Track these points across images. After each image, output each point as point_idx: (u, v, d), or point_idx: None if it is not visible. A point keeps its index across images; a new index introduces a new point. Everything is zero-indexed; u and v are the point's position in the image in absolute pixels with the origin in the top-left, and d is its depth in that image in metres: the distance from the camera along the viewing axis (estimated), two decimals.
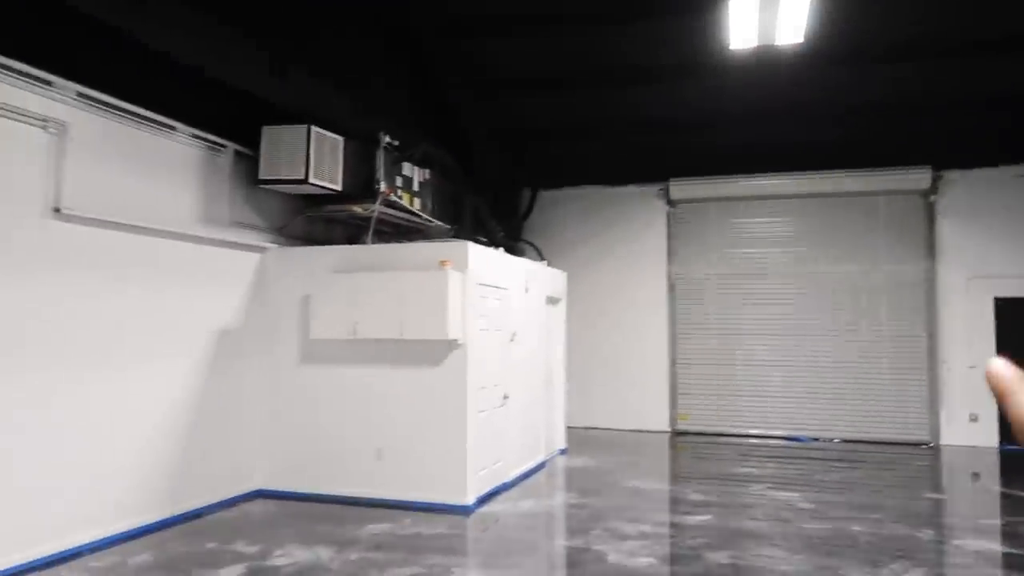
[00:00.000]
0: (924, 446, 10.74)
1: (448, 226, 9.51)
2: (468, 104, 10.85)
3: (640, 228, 12.30)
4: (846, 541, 5.97)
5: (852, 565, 5.31)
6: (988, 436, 10.60)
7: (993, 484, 8.69)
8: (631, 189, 12.38)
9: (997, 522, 6.88)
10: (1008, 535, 6.40)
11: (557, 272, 10.15)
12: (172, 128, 6.54)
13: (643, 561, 5.39)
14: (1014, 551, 5.87)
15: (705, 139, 11.59)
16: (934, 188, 11.02)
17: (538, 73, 10.32)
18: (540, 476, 8.56)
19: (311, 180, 7.17)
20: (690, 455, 10.38)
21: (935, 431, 10.86)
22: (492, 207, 11.16)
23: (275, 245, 7.69)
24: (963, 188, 10.98)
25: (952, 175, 11.01)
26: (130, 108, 6.03)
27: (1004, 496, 8.04)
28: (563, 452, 9.91)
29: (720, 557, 5.54)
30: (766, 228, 11.87)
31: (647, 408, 11.99)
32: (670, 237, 12.21)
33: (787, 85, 9.97)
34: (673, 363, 12.04)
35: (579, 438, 10.87)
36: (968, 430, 10.70)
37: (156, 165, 6.34)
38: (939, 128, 10.76)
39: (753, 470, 9.12)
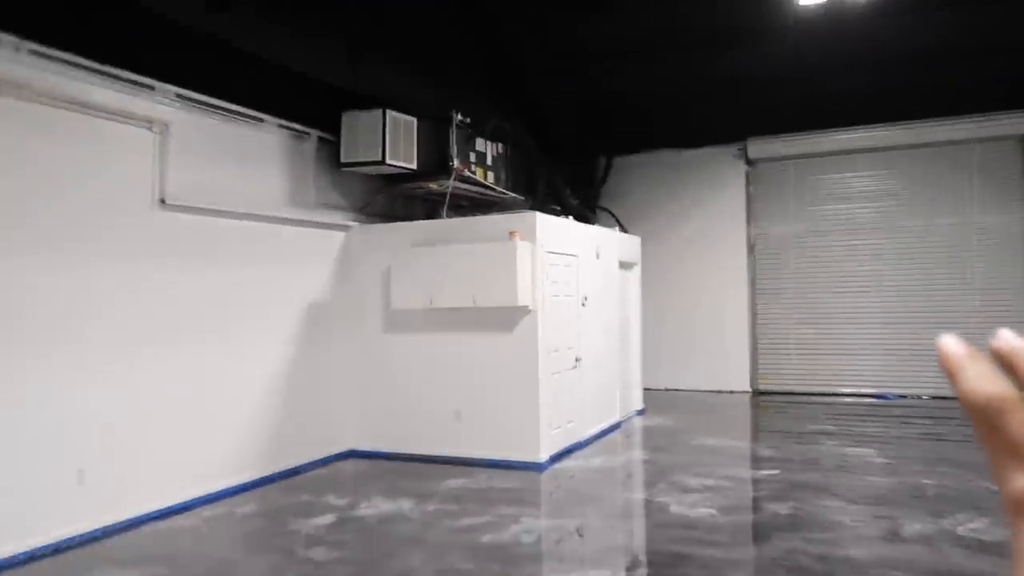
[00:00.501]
0: None
1: (523, 197, 9.85)
2: (542, 76, 11.08)
3: (718, 189, 12.27)
4: (912, 493, 6.05)
5: (912, 515, 5.42)
6: None
7: None
8: (708, 150, 12.34)
9: None
10: None
11: (630, 237, 10.35)
12: (260, 120, 7.14)
13: (703, 511, 5.67)
14: None
15: (782, 96, 11.39)
16: None
17: (612, 42, 10.43)
18: (615, 435, 8.89)
19: (388, 161, 7.66)
20: (768, 414, 10.46)
21: None
22: (567, 176, 11.42)
23: (358, 223, 8.25)
24: None
25: None
26: (222, 104, 6.64)
27: None
28: (640, 413, 10.19)
29: (780, 508, 5.75)
30: (847, 184, 11.63)
31: (728, 369, 12.06)
32: (749, 197, 12.14)
33: (858, 38, 9.71)
34: (754, 323, 12.04)
35: (658, 399, 11.12)
36: None
37: (247, 155, 6.96)
38: None
39: (831, 427, 9.15)
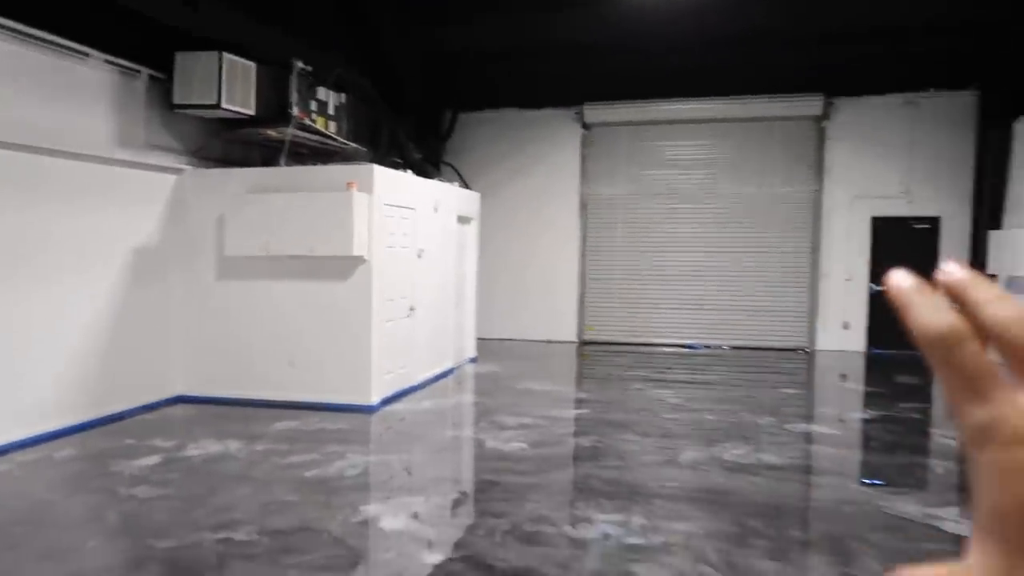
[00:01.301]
0: (801, 351, 11.92)
1: (364, 149, 9.98)
2: (390, 29, 11.15)
3: (555, 150, 12.92)
4: (695, 427, 6.97)
5: (690, 444, 6.29)
6: (858, 341, 11.82)
7: (847, 382, 9.85)
8: (547, 112, 12.92)
9: (832, 410, 7.99)
10: (834, 420, 7.50)
11: (469, 192, 10.76)
12: (86, 55, 6.84)
13: (515, 446, 6.28)
14: (829, 431, 6.94)
15: (617, 65, 12.11)
16: (825, 114, 11.83)
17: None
18: (447, 381, 9.40)
19: (223, 105, 7.57)
20: (589, 362, 11.37)
21: (812, 337, 12.04)
22: (414, 130, 11.62)
23: (192, 167, 8.11)
24: (850, 114, 11.82)
25: (841, 102, 11.83)
26: (43, 35, 6.32)
27: (850, 391, 9.19)
28: (473, 360, 10.77)
29: (583, 441, 6.47)
30: (674, 151, 12.61)
31: (557, 320, 12.91)
32: (583, 159, 12.87)
33: (689, 15, 10.54)
34: (583, 278, 12.91)
35: (491, 348, 11.75)
36: (841, 336, 11.90)
37: (72, 91, 6.68)
38: (832, 57, 11.49)
39: (643, 373, 10.13)
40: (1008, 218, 10.71)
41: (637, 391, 8.84)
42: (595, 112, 12.58)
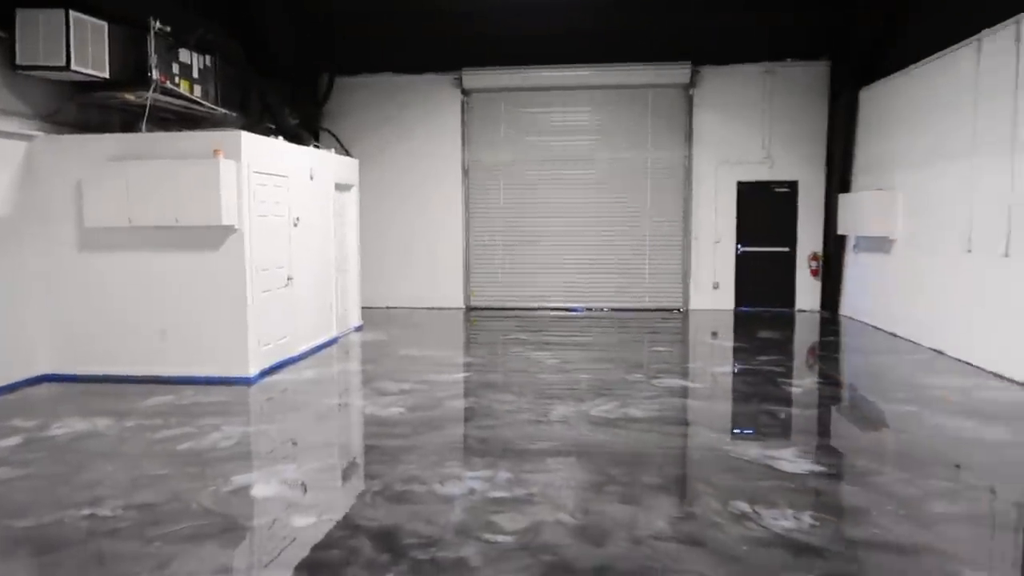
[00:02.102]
0: (676, 311, 12.56)
1: (234, 114, 9.66)
2: None
3: (436, 116, 12.90)
4: (568, 386, 7.28)
5: (562, 403, 6.59)
6: (727, 300, 12.56)
7: (715, 339, 10.48)
8: (427, 77, 12.86)
9: (698, 365, 8.52)
10: (697, 374, 8.02)
11: (346, 159, 10.63)
12: None
13: (394, 411, 6.39)
14: (693, 385, 7.43)
15: (495, 30, 12.19)
16: (693, 82, 12.34)
17: None
18: (331, 350, 9.37)
19: (74, 67, 7.17)
20: (474, 327, 11.57)
21: (686, 297, 12.69)
22: (290, 95, 11.32)
23: (43, 133, 7.64)
24: (715, 83, 12.38)
25: (707, 70, 12.36)
26: None
27: (716, 347, 9.80)
28: (358, 329, 10.75)
29: (460, 403, 6.66)
30: (553, 118, 12.84)
31: (443, 287, 13.03)
32: (464, 124, 12.92)
33: None
34: (467, 244, 13.04)
35: (377, 316, 11.76)
36: (712, 295, 12.59)
37: None
38: (699, 25, 11.99)
39: (524, 336, 10.42)
40: (856, 181, 11.57)
41: (517, 354, 9.11)
42: (474, 78, 12.62)
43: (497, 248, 13.05)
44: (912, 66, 9.69)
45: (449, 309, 12.93)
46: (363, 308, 11.18)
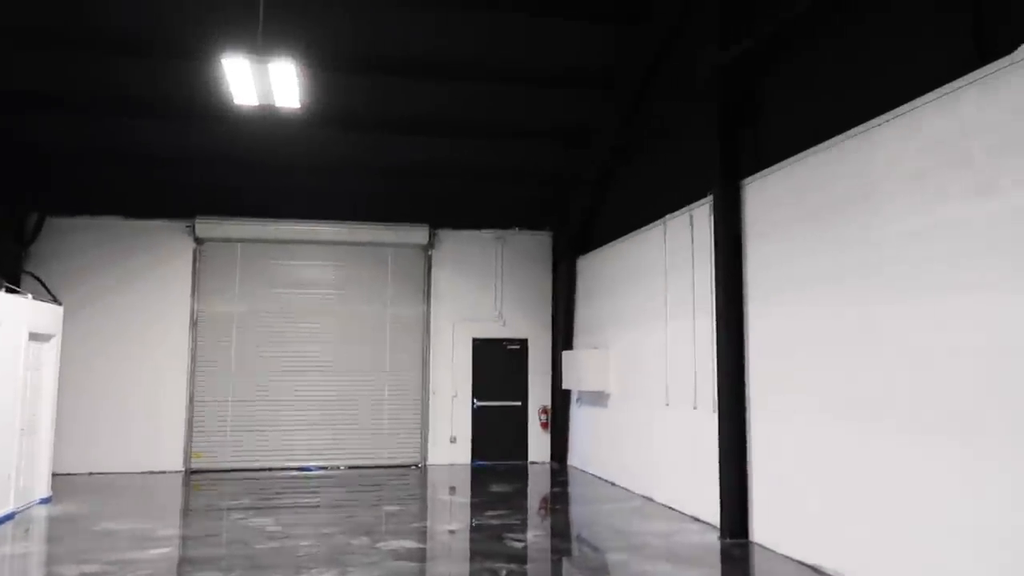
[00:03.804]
0: (414, 467, 12.41)
1: None
2: None
3: (164, 264, 12.18)
4: (287, 556, 6.74)
5: (276, 575, 6.05)
6: (464, 454, 12.69)
7: (444, 494, 10.42)
8: (157, 223, 12.22)
9: (425, 524, 8.36)
10: (424, 533, 7.84)
11: (46, 306, 9.54)
12: None
13: None
14: (418, 546, 7.23)
15: (230, 180, 12.05)
16: (431, 243, 12.95)
17: (45, 89, 9.80)
18: (6, 527, 7.92)
19: None
20: (192, 493, 10.49)
21: (424, 453, 12.63)
22: None
23: None
24: (452, 245, 13.10)
25: (444, 233, 13.08)
26: None
27: (443, 503, 9.74)
28: (46, 500, 9.27)
29: None
30: (291, 271, 12.67)
31: (161, 448, 11.81)
32: (196, 274, 12.30)
33: (295, 142, 10.98)
34: (191, 401, 12.06)
35: (76, 484, 10.27)
36: (449, 450, 12.66)
37: None
38: (436, 192, 12.78)
39: (247, 502, 9.61)
40: (577, 339, 12.59)
41: (236, 521, 8.33)
42: (208, 226, 12.21)
43: (227, 404, 12.20)
44: (616, 240, 11.01)
45: (168, 473, 11.67)
46: (58, 475, 9.71)
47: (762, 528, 7.11)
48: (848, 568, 5.88)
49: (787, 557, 6.62)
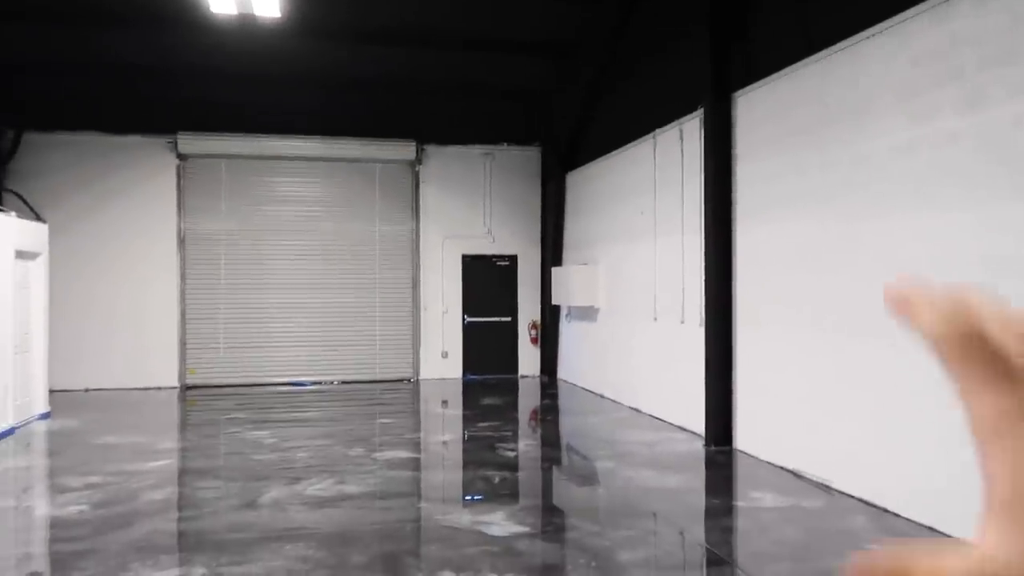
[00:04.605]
0: (407, 381, 12.64)
1: None
2: None
3: (147, 180, 12.01)
4: (283, 466, 6.94)
5: (273, 485, 6.24)
6: (455, 369, 12.92)
7: (439, 407, 10.67)
8: (136, 139, 11.97)
9: (419, 435, 8.59)
10: (418, 444, 8.08)
11: (31, 224, 9.45)
12: None
13: (73, 509, 5.61)
14: (413, 456, 7.46)
15: (210, 96, 11.77)
16: (419, 159, 12.80)
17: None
18: (6, 443, 8.08)
19: None
20: (189, 408, 10.69)
21: (416, 368, 12.84)
22: None
23: None
24: (440, 161, 12.96)
25: (432, 149, 12.92)
26: None
27: (437, 416, 9.99)
28: (44, 416, 9.42)
29: (155, 495, 6.03)
30: (278, 187, 12.53)
31: (155, 365, 11.92)
32: (181, 191, 12.15)
33: (278, 54, 10.69)
34: (183, 318, 12.12)
35: (72, 400, 10.43)
36: (441, 365, 12.88)
37: None
38: (424, 107, 12.56)
39: (242, 416, 9.80)
40: (566, 256, 12.65)
41: (232, 434, 8.53)
42: (191, 142, 11.99)
43: (218, 322, 12.27)
44: (606, 155, 10.92)
45: (163, 389, 11.83)
46: (55, 392, 9.85)
47: (746, 436, 7.35)
48: (828, 472, 6.13)
49: (769, 463, 6.88)
